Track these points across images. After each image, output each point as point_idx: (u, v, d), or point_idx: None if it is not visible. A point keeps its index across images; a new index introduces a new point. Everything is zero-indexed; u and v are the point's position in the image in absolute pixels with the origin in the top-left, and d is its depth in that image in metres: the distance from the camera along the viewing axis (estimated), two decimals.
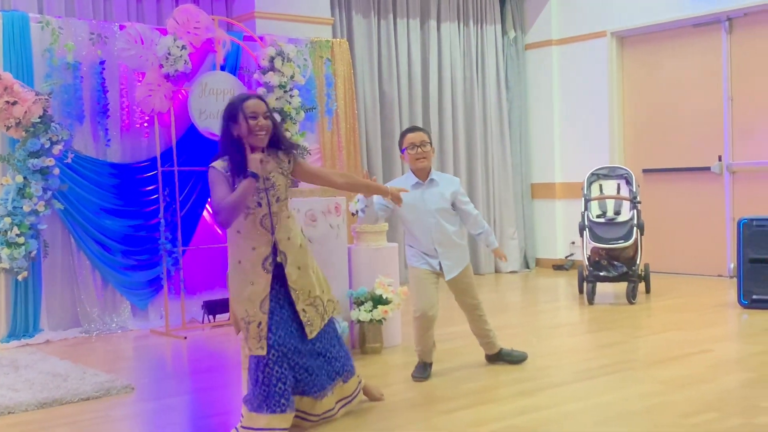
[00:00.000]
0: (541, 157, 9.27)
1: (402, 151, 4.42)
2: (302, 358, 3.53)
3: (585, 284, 6.82)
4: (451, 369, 4.66)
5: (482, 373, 4.57)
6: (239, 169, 3.41)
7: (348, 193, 7.35)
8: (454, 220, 4.42)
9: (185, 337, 5.87)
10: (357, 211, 5.44)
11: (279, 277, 3.51)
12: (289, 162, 3.57)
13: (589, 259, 6.88)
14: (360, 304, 5.15)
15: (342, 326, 4.97)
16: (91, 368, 4.85)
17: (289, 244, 3.53)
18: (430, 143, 4.39)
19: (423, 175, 4.36)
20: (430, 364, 4.48)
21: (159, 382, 4.71)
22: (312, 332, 3.56)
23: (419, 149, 4.33)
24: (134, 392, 4.39)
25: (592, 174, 7.28)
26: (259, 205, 3.47)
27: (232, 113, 3.46)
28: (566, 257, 9.03)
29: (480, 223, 4.49)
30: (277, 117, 6.49)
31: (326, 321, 3.65)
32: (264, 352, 3.43)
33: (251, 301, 3.47)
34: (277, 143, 3.55)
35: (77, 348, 5.68)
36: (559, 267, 9.01)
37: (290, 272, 3.51)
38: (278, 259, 3.48)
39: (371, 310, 5.08)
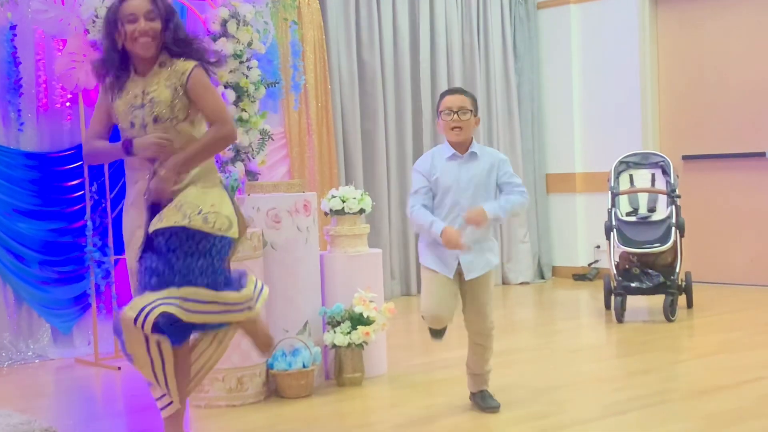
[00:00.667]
0: (558, 141, 9.31)
1: (438, 114, 4.41)
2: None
3: (613, 298, 6.86)
4: (450, 402, 4.67)
5: None
6: (117, 85, 3.53)
7: (320, 188, 7.40)
8: None
9: (119, 368, 5.86)
10: (330, 211, 5.47)
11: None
12: (182, 74, 3.52)
13: (617, 266, 6.91)
14: (335, 324, 5.15)
15: (314, 352, 4.99)
16: (2, 407, 4.82)
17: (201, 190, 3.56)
18: (473, 112, 4.34)
19: (461, 148, 4.36)
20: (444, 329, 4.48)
21: (86, 424, 4.69)
22: (159, 222, 3.46)
23: (456, 116, 4.30)
24: None
25: (621, 162, 7.31)
26: (132, 125, 3.50)
27: (110, 19, 3.52)
28: (589, 265, 9.07)
29: (514, 197, 4.32)
30: (231, 94, 6.48)
31: (192, 225, 3.47)
32: (133, 314, 3.42)
33: (132, 249, 3.58)
34: (171, 48, 3.55)
35: None
36: (580, 277, 9.05)
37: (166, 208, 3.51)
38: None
39: (349, 332, 5.08)
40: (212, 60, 3.67)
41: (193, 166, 3.53)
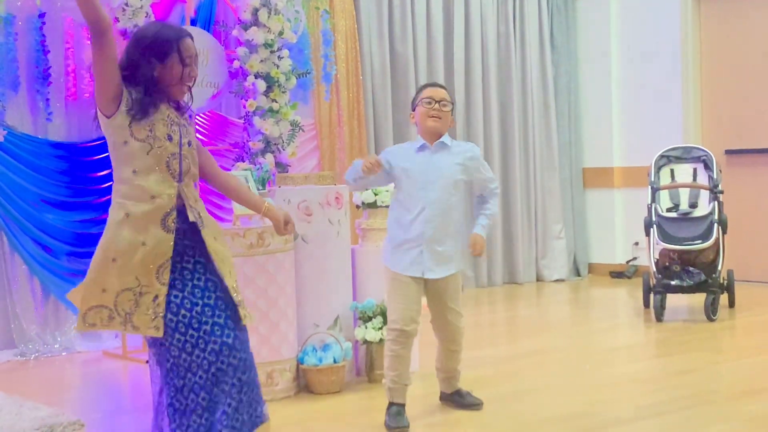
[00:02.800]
0: (596, 135, 9.27)
1: (413, 108, 4.42)
2: (237, 353, 3.31)
3: (652, 296, 6.83)
4: (484, 402, 4.67)
5: (524, 407, 4.59)
6: (143, 112, 3.27)
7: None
8: (461, 204, 4.37)
9: (146, 361, 5.86)
10: (362, 204, 5.48)
11: (188, 245, 3.35)
12: (188, 110, 3.51)
13: (657, 264, 6.87)
14: (367, 320, 5.17)
15: (345, 347, 5.00)
16: (29, 400, 4.86)
17: (201, 207, 3.44)
18: (452, 108, 4.39)
19: (432, 138, 4.36)
20: (404, 406, 4.32)
21: (114, 417, 4.73)
22: (246, 317, 3.38)
23: (437, 105, 4.32)
24: (83, 430, 4.42)
25: (662, 156, 7.27)
26: (170, 138, 3.32)
27: (163, 48, 3.29)
28: (628, 262, 9.03)
29: (492, 203, 4.46)
30: (262, 84, 6.52)
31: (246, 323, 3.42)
32: (160, 333, 3.23)
33: (144, 267, 3.24)
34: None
35: (11, 375, 5.72)
36: (618, 274, 9.01)
37: (209, 240, 3.36)
38: (190, 217, 3.32)
39: (381, 328, 5.09)
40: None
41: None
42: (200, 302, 3.29)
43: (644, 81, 8.90)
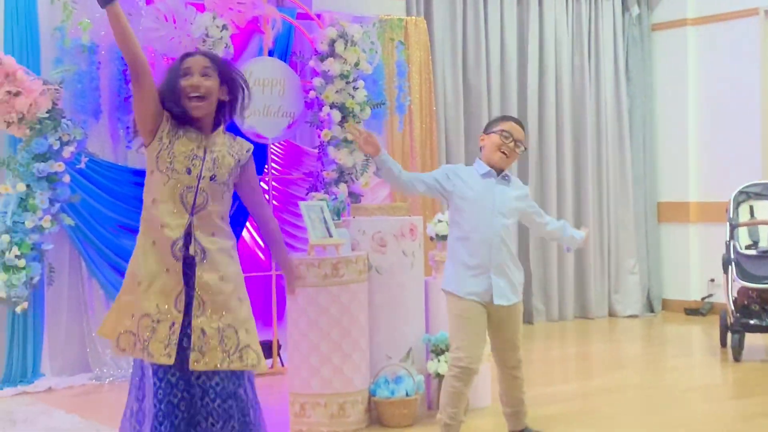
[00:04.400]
0: (672, 168, 9.17)
1: (486, 131, 4.45)
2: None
3: (729, 335, 6.72)
4: None
5: None
6: (180, 122, 3.41)
7: (423, 211, 7.43)
8: (514, 236, 4.46)
9: None
10: (435, 236, 5.51)
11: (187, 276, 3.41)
12: (247, 151, 3.56)
13: (735, 302, 6.77)
14: (439, 353, 5.17)
15: (417, 380, 5.00)
16: (104, 425, 4.97)
17: (212, 242, 3.42)
18: (522, 151, 4.46)
19: (497, 169, 4.40)
20: None
21: None
22: (197, 362, 3.34)
23: (513, 144, 4.36)
24: None
25: (741, 192, 7.18)
26: (188, 171, 3.40)
27: (174, 68, 3.45)
28: (703, 299, 8.90)
29: (553, 221, 4.70)
30: (337, 114, 6.57)
31: (231, 368, 3.39)
32: (171, 361, 3.33)
33: (164, 295, 3.37)
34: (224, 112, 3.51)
35: (87, 398, 5.83)
36: (693, 311, 8.88)
37: (202, 274, 3.39)
38: (191, 250, 3.39)
39: None
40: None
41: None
42: None
43: (722, 115, 8.79)
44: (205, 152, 3.43)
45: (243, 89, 3.52)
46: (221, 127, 3.52)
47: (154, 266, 3.39)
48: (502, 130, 4.37)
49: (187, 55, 3.50)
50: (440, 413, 4.34)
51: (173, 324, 3.35)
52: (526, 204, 4.50)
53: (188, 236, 3.40)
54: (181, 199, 3.41)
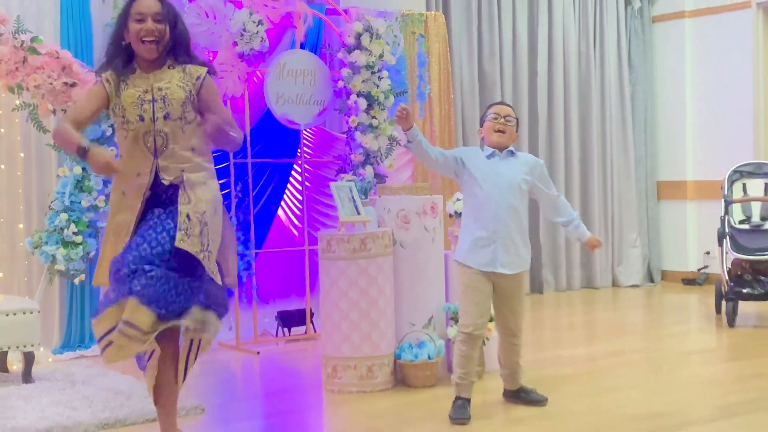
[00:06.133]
0: (670, 149, 9.12)
1: (481, 124, 4.47)
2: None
3: (724, 303, 6.71)
4: (564, 399, 4.66)
5: (601, 405, 4.56)
6: (120, 78, 3.36)
7: (442, 190, 7.44)
8: (525, 211, 4.40)
9: (258, 353, 6.03)
10: (454, 213, 5.51)
11: (158, 203, 3.38)
12: (197, 79, 3.40)
13: (729, 272, 6.75)
14: (458, 320, 5.17)
15: (438, 345, 5.03)
16: None
17: (188, 178, 3.35)
18: (516, 124, 4.44)
19: (500, 149, 4.39)
20: (469, 400, 4.36)
21: (230, 404, 4.86)
22: (182, 241, 3.27)
23: (502, 120, 4.37)
24: (204, 414, 4.55)
25: (735, 171, 7.14)
26: (141, 119, 3.34)
27: (122, 15, 3.39)
28: (699, 270, 8.87)
29: (568, 208, 4.54)
30: (363, 102, 6.57)
31: (203, 263, 3.32)
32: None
33: (117, 234, 3.38)
34: (177, 54, 3.41)
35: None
36: (690, 281, 8.85)
37: (185, 194, 3.33)
38: (164, 179, 3.34)
39: None
40: (214, 70, 3.53)
41: (218, 135, 3.35)
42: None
43: (717, 99, 8.73)
44: (153, 94, 3.34)
45: (184, 27, 3.45)
46: (167, 64, 3.39)
47: (126, 215, 3.37)
48: (491, 114, 4.41)
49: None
50: (453, 375, 4.39)
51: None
52: (535, 176, 4.40)
53: (156, 177, 3.35)
54: (145, 145, 3.35)
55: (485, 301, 4.33)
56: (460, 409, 4.30)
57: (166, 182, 3.35)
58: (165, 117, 3.34)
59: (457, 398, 4.34)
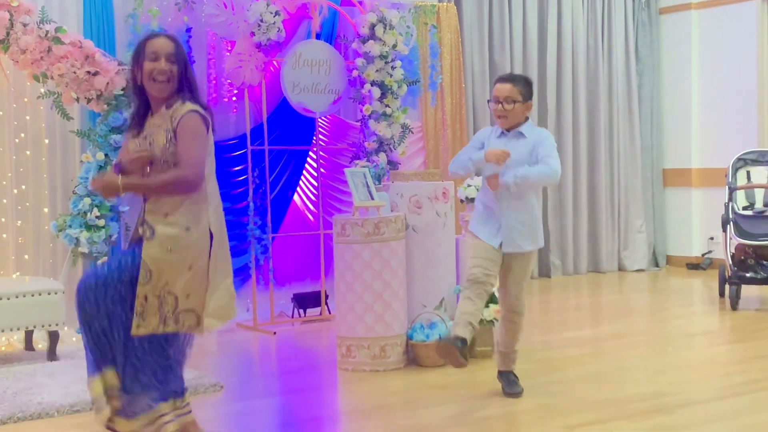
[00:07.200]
0: (676, 138, 9.06)
1: (489, 103, 4.40)
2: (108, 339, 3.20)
3: (727, 286, 6.67)
4: (570, 379, 4.65)
5: (606, 385, 4.54)
6: (138, 124, 3.30)
7: (456, 177, 7.41)
8: (534, 192, 4.28)
9: (274, 333, 6.03)
10: (465, 198, 5.48)
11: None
12: (180, 118, 3.20)
13: (732, 257, 6.71)
14: None
15: (449, 326, 5.01)
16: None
17: (165, 223, 3.18)
18: (519, 101, 4.21)
19: (507, 129, 4.30)
20: (464, 340, 4.08)
21: (248, 382, 4.87)
22: (138, 328, 3.16)
23: (501, 106, 4.22)
24: (223, 391, 4.55)
25: (739, 159, 7.09)
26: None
27: (135, 54, 3.29)
28: (703, 255, 8.82)
29: (536, 167, 4.18)
30: (377, 91, 6.55)
31: (167, 331, 3.20)
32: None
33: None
34: (184, 96, 3.25)
35: None
36: (694, 266, 8.80)
37: (149, 246, 3.16)
38: (140, 231, 3.23)
39: None
40: (207, 113, 3.30)
41: (142, 192, 3.28)
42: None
43: (722, 90, 8.66)
44: (147, 137, 3.25)
45: (191, 71, 3.34)
46: (163, 107, 3.25)
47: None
48: (491, 98, 4.30)
49: (151, 37, 3.31)
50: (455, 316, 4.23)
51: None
52: (536, 151, 4.21)
53: (143, 221, 3.24)
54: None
55: (493, 257, 4.23)
56: (449, 337, 4.12)
57: (140, 231, 3.26)
58: (150, 164, 3.25)
59: (455, 337, 4.11)
